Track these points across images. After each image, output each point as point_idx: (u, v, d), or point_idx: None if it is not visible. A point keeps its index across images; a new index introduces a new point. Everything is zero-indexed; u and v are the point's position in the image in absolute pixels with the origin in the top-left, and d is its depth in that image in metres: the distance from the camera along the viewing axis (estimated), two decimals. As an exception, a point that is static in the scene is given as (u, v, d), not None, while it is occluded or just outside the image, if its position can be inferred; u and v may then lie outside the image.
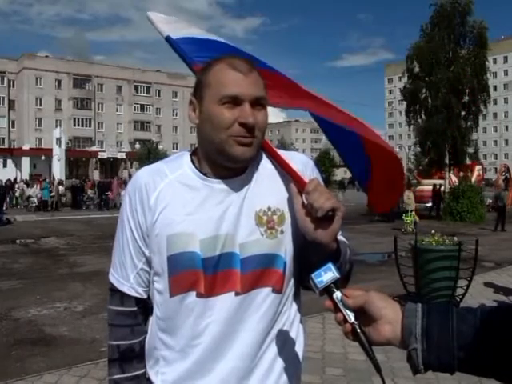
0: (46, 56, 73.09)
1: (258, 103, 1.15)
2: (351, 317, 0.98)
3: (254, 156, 1.19)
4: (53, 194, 27.50)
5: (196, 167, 1.23)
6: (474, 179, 23.89)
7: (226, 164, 1.18)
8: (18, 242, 14.30)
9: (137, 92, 76.21)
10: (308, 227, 1.12)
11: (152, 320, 1.25)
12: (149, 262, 1.23)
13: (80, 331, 5.81)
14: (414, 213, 16.89)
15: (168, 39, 1.49)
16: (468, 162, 25.86)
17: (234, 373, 1.17)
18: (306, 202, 1.12)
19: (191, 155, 1.27)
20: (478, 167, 27.96)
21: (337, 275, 1.01)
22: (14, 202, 29.99)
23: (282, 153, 1.29)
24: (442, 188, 22.47)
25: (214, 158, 1.19)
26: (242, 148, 1.14)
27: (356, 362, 4.33)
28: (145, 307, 1.27)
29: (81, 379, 4.25)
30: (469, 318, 0.91)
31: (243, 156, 1.15)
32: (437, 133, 22.03)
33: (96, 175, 61.18)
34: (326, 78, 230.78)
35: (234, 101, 1.13)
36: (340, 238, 1.33)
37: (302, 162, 1.29)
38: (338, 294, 1.00)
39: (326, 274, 1.01)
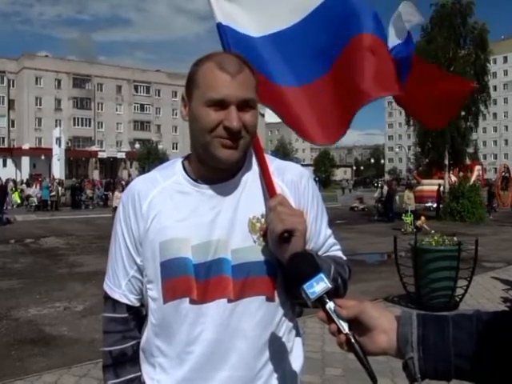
0: (46, 56, 73.07)
1: (246, 105, 1.14)
2: (345, 327, 0.96)
3: (240, 158, 1.18)
4: (53, 193, 27.49)
5: (188, 173, 1.23)
6: (473, 179, 23.90)
7: (213, 165, 1.17)
8: (17, 241, 14.29)
9: (136, 92, 76.21)
10: (270, 244, 1.14)
11: (147, 327, 1.24)
12: (140, 270, 1.23)
13: (80, 331, 5.82)
14: (423, 218, 16.73)
15: (218, 26, 1.47)
16: (468, 162, 25.85)
17: (231, 382, 1.16)
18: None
19: (183, 161, 1.27)
20: (477, 167, 27.99)
21: (329, 285, 1.00)
22: (15, 202, 29.88)
23: (277, 163, 1.28)
24: (442, 188, 22.46)
25: (203, 157, 1.19)
26: (227, 151, 1.13)
27: (356, 363, 4.28)
28: (137, 314, 1.27)
29: (80, 379, 4.25)
30: (464, 325, 0.90)
31: (229, 159, 1.14)
32: (436, 133, 22.02)
33: (96, 175, 61.20)
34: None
35: (220, 104, 1.11)
36: (334, 253, 1.31)
37: (296, 174, 1.28)
38: (331, 305, 0.98)
39: (318, 285, 0.99)
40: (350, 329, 0.96)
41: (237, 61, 1.15)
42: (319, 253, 1.25)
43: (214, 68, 1.13)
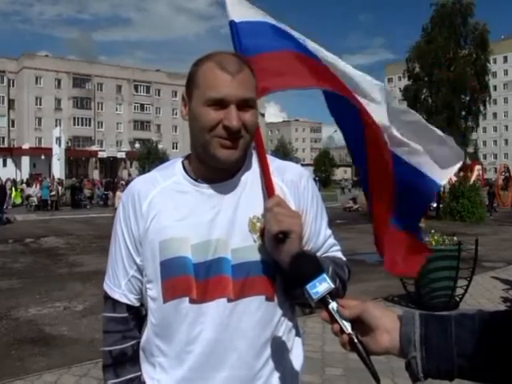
0: (46, 55, 73.08)
1: (246, 104, 1.14)
2: (348, 327, 0.97)
3: (240, 158, 1.18)
4: (53, 193, 27.48)
5: (188, 173, 1.23)
6: (473, 179, 23.89)
7: (213, 165, 1.18)
8: (17, 241, 14.28)
9: (136, 91, 76.18)
10: (267, 245, 1.14)
11: (147, 326, 1.24)
12: (140, 270, 1.23)
13: (80, 331, 5.82)
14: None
15: (230, 24, 1.50)
16: (468, 161, 25.84)
17: (231, 382, 1.16)
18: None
19: (184, 161, 1.27)
20: (477, 167, 27.96)
21: (332, 286, 1.00)
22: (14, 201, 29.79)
23: (277, 163, 1.28)
24: (442, 188, 22.46)
25: (203, 157, 1.19)
26: (227, 151, 1.14)
27: (356, 362, 4.28)
28: (136, 314, 1.27)
29: (80, 379, 4.25)
30: (467, 325, 0.90)
31: (228, 159, 1.15)
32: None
33: (96, 175, 61.19)
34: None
35: (220, 103, 1.12)
36: (333, 253, 1.31)
37: (296, 174, 1.28)
38: (333, 305, 0.99)
39: (321, 285, 1.00)
40: (352, 329, 0.97)
41: (237, 60, 1.16)
42: (318, 253, 1.25)
43: (214, 68, 1.13)
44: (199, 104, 1.14)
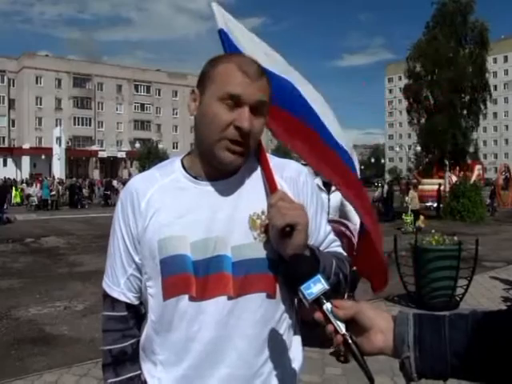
0: (46, 55, 73.12)
1: (259, 109, 1.14)
2: (342, 328, 0.97)
3: (242, 163, 1.19)
4: (53, 193, 27.50)
5: (187, 171, 1.23)
6: (473, 179, 23.88)
7: (215, 165, 1.17)
8: (18, 241, 14.28)
9: (137, 91, 76.21)
10: (272, 240, 1.14)
11: (147, 324, 1.24)
12: (139, 268, 1.22)
13: (80, 330, 5.82)
14: (421, 217, 16.84)
15: (220, 32, 1.61)
16: (468, 161, 25.84)
17: (231, 381, 1.16)
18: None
19: (182, 159, 1.27)
20: (478, 167, 27.94)
21: (326, 287, 1.00)
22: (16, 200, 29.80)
23: (276, 160, 1.29)
24: (442, 187, 22.47)
25: (206, 155, 1.19)
26: (232, 156, 1.14)
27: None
28: (136, 312, 1.27)
29: (81, 378, 4.25)
30: (460, 325, 0.91)
31: (231, 164, 1.16)
32: (438, 132, 22.04)
33: (96, 174, 61.22)
34: (326, 78, 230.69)
35: (235, 100, 1.11)
36: (334, 249, 1.31)
37: (295, 170, 1.28)
38: (328, 306, 0.99)
39: (316, 286, 1.00)
40: (346, 329, 0.97)
41: (257, 66, 1.16)
42: (320, 249, 1.25)
43: (235, 69, 1.13)
44: (213, 99, 1.13)
